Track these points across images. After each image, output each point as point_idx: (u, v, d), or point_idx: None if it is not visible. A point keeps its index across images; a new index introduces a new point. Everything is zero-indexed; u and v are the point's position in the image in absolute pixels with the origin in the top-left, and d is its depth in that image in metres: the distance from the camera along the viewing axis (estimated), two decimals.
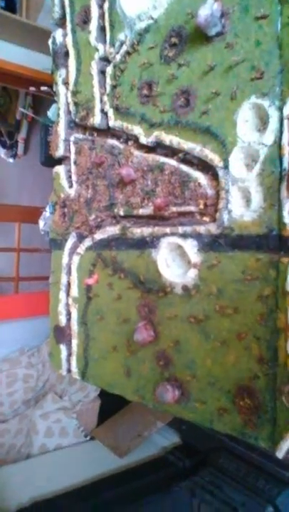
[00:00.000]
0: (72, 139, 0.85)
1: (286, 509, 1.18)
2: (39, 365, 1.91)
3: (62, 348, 0.89)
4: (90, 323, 0.83)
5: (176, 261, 0.68)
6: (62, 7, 0.86)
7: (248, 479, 1.30)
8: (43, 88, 1.95)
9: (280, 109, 0.53)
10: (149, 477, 1.44)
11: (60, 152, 0.88)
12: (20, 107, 3.14)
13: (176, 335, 0.68)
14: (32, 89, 2.08)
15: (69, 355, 0.88)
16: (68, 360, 0.89)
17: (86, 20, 0.80)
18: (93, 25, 0.79)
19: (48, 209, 1.02)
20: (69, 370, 0.89)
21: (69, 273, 0.87)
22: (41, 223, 1.09)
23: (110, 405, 1.74)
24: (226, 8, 0.58)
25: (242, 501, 1.23)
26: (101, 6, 0.78)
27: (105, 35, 0.77)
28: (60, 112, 0.88)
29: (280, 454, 0.54)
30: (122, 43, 0.74)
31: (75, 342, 0.86)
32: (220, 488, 1.30)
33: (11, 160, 3.52)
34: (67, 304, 0.88)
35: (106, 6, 0.76)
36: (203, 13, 0.57)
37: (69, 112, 0.86)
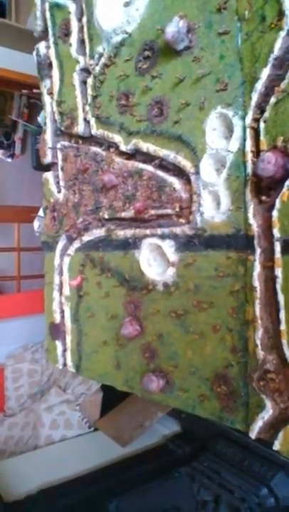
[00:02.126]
0: (58, 146, 0.90)
1: (280, 490, 1.24)
2: (43, 360, 1.98)
3: (58, 343, 0.94)
4: (82, 320, 0.88)
5: (156, 260, 0.73)
6: (44, 20, 0.90)
7: (244, 463, 1.36)
8: (35, 90, 1.99)
9: (243, 118, 0.58)
10: (151, 464, 1.50)
11: (48, 159, 0.93)
12: (15, 107, 3.18)
13: (159, 329, 0.73)
14: (25, 91, 2.12)
15: (64, 350, 0.94)
16: (64, 355, 0.94)
17: (67, 33, 0.85)
18: (73, 38, 0.83)
19: (41, 210, 1.07)
20: (65, 364, 0.94)
21: (61, 273, 0.92)
22: (36, 224, 1.14)
23: (112, 397, 1.81)
24: (192, 24, 0.63)
25: (238, 484, 1.29)
26: (80, 20, 0.82)
27: (85, 48, 0.81)
28: (46, 120, 0.92)
29: (252, 435, 0.59)
30: (100, 56, 0.78)
31: (69, 338, 0.92)
32: (218, 472, 1.36)
33: (8, 160, 3.57)
34: (60, 303, 0.93)
35: (84, 19, 0.80)
36: (170, 30, 0.61)
37: (55, 121, 0.91)
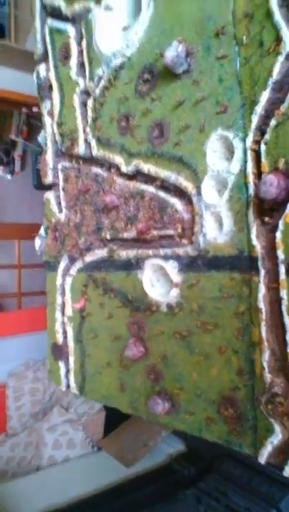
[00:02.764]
0: (59, 166, 0.90)
1: None
2: (45, 379, 1.96)
3: (61, 364, 0.93)
4: (85, 341, 0.87)
5: (160, 281, 0.73)
6: (44, 43, 0.91)
7: (251, 484, 1.33)
8: (35, 109, 2.01)
9: (244, 140, 0.58)
10: (156, 485, 1.48)
11: (49, 179, 0.93)
12: (14, 124, 3.21)
13: (164, 350, 0.72)
14: (24, 110, 2.14)
15: (67, 371, 0.93)
16: (67, 376, 0.93)
17: (67, 56, 0.86)
18: (73, 61, 0.84)
19: (43, 230, 1.07)
20: (68, 386, 0.93)
21: (63, 293, 0.91)
22: (38, 243, 1.14)
23: (116, 416, 1.79)
24: (191, 48, 0.63)
25: (246, 506, 1.26)
26: (79, 43, 0.83)
27: (85, 71, 0.82)
28: (47, 141, 0.93)
29: (261, 460, 0.58)
30: (100, 78, 0.79)
31: (72, 359, 0.91)
32: (225, 494, 1.33)
33: (8, 176, 3.59)
34: (63, 323, 0.92)
35: (84, 43, 0.81)
36: (170, 54, 0.62)
37: (55, 142, 0.91)
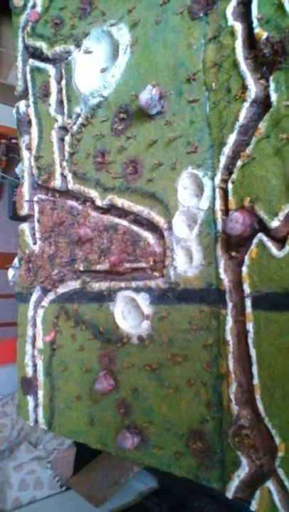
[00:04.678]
0: (35, 199, 0.92)
1: None
2: (13, 414, 1.89)
3: (30, 399, 0.91)
4: (55, 374, 0.86)
5: (131, 313, 0.74)
6: (25, 81, 0.95)
7: None
8: (14, 141, 2.04)
9: (212, 178, 0.61)
10: None
11: (24, 211, 0.94)
12: None
13: (134, 383, 0.72)
14: (3, 141, 2.17)
15: (36, 406, 0.90)
16: (35, 411, 0.91)
17: (46, 94, 0.89)
18: (52, 98, 0.87)
19: (17, 260, 1.07)
20: (36, 421, 0.91)
21: (34, 325, 0.91)
22: (11, 273, 1.13)
23: (86, 452, 1.73)
24: (164, 92, 0.67)
25: None
26: (59, 82, 0.87)
27: (63, 108, 0.85)
28: (24, 174, 0.95)
29: (229, 494, 0.58)
30: (78, 116, 0.82)
31: (41, 393, 0.89)
32: None
33: None
34: (33, 356, 0.91)
35: (63, 82, 0.85)
36: (144, 96, 0.66)
37: (32, 175, 0.93)
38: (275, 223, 0.52)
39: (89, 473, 1.70)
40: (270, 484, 0.53)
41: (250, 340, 0.55)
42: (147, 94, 0.66)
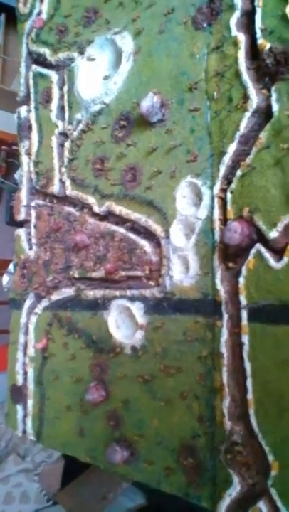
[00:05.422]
0: (33, 204, 0.91)
1: None
2: (2, 424, 1.85)
3: (19, 408, 0.89)
4: (46, 383, 0.84)
5: (125, 322, 0.72)
6: (27, 87, 0.95)
7: None
8: (14, 147, 2.04)
9: (211, 188, 0.60)
10: None
11: (21, 216, 0.93)
12: None
13: (126, 394, 0.70)
14: (4, 148, 2.18)
15: (25, 415, 0.88)
16: (24, 421, 0.89)
17: (48, 100, 0.89)
18: (54, 104, 0.87)
19: (12, 266, 1.05)
20: (25, 431, 0.88)
21: (26, 332, 0.89)
22: (5, 279, 1.11)
23: (75, 465, 1.69)
24: (165, 100, 0.67)
25: None
26: (61, 89, 0.87)
27: (64, 114, 0.85)
28: (22, 179, 0.94)
29: None
30: (78, 122, 0.82)
31: (30, 402, 0.87)
32: None
33: None
34: (24, 364, 0.89)
35: (65, 88, 0.85)
36: (145, 104, 0.65)
37: (31, 180, 0.92)
38: (273, 234, 0.51)
39: (76, 488, 1.66)
40: (261, 505, 0.51)
41: (245, 353, 0.54)
42: (149, 102, 0.65)
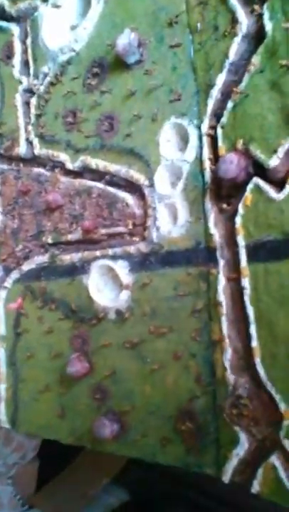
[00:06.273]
0: None
1: None
2: None
3: None
4: (20, 363, 0.76)
5: (108, 285, 0.66)
6: None
7: None
8: None
9: (198, 127, 0.55)
10: None
11: None
12: None
13: (112, 364, 0.64)
14: None
15: None
16: None
17: (9, 56, 0.81)
18: (16, 59, 0.80)
19: None
20: None
21: None
22: None
23: (51, 466, 1.59)
24: (143, 39, 0.62)
25: None
26: (24, 42, 0.79)
27: (29, 69, 0.78)
28: None
29: (225, 478, 0.51)
30: (45, 75, 0.75)
31: (3, 386, 0.78)
32: None
33: None
34: None
35: (29, 41, 0.78)
36: (121, 42, 0.60)
37: None
38: (273, 161, 0.47)
39: (53, 489, 1.57)
40: (274, 459, 0.46)
41: (246, 298, 0.49)
42: (125, 39, 0.60)
